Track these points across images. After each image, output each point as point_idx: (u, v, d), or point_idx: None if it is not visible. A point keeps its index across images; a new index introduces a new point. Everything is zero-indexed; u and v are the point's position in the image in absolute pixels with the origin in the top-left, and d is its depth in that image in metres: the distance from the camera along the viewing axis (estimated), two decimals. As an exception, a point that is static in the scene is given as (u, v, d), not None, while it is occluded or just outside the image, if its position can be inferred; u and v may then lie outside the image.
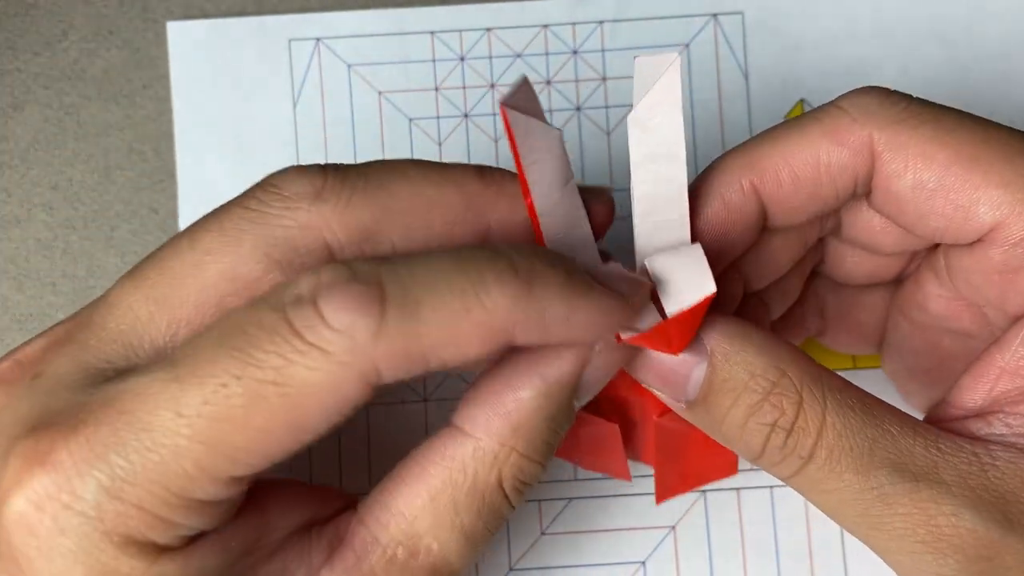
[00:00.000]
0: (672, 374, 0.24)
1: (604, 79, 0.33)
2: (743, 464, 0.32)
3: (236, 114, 0.33)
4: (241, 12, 0.34)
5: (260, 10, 0.34)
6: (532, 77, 0.33)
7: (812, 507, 0.32)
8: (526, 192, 0.22)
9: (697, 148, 0.33)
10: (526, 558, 0.32)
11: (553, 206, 0.23)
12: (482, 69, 0.33)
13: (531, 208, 0.23)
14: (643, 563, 0.32)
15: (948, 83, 0.33)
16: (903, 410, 0.23)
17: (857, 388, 0.23)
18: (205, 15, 0.34)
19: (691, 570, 0.32)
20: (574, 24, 0.33)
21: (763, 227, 0.25)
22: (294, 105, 0.33)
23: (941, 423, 0.24)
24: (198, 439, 0.19)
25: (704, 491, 0.32)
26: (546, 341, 0.21)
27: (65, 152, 0.33)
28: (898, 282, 0.28)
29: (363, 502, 0.24)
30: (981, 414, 0.24)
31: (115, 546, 0.20)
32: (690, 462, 0.30)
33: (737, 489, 0.32)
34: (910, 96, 0.25)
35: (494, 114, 0.33)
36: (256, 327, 0.20)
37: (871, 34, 0.33)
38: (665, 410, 0.26)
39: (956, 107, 0.33)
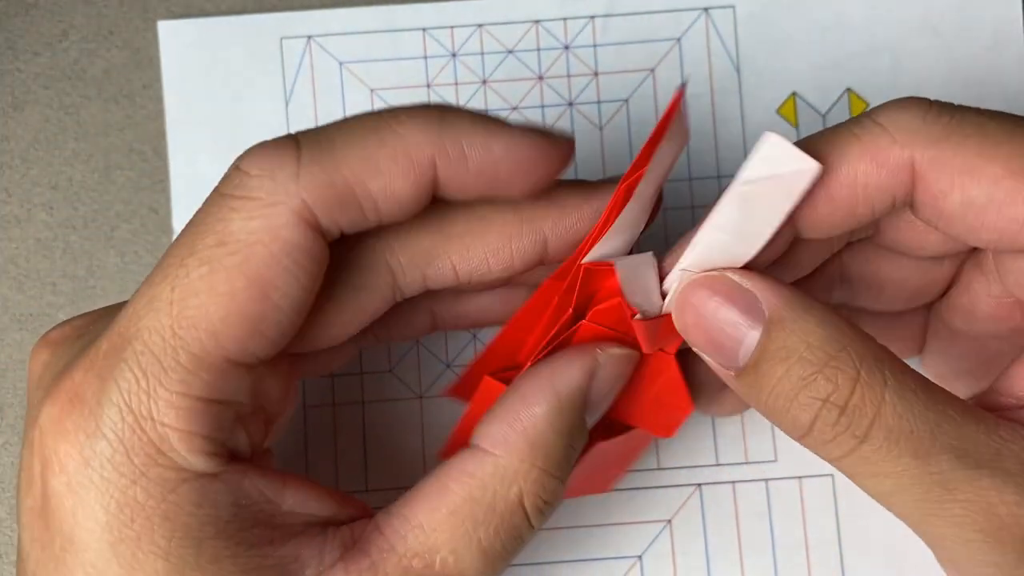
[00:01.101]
0: (725, 337, 0.23)
1: (596, 74, 0.33)
2: (736, 458, 0.32)
3: (228, 112, 0.33)
4: (243, 10, 0.34)
5: (259, 8, 0.34)
6: (523, 73, 0.33)
7: (808, 501, 0.32)
8: (634, 179, 0.23)
9: (689, 143, 0.33)
10: (523, 554, 0.32)
11: (638, 208, 0.24)
12: (474, 65, 0.33)
13: (621, 197, 0.23)
14: (639, 557, 0.32)
15: (939, 75, 0.33)
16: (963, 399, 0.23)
17: (917, 373, 0.22)
18: (205, 15, 0.34)
19: (688, 565, 0.32)
20: (565, 19, 0.33)
21: (792, 239, 0.24)
22: (286, 103, 0.33)
23: (991, 411, 0.23)
24: (178, 326, 0.21)
25: (700, 484, 0.32)
26: (477, 181, 0.22)
27: (65, 152, 0.33)
28: (932, 303, 0.28)
29: (382, 512, 0.24)
30: None
31: (136, 471, 0.21)
32: (585, 480, 0.29)
33: (733, 483, 0.32)
34: (953, 107, 0.23)
35: (486, 110, 0.33)
36: (200, 212, 0.22)
37: (863, 27, 0.33)
38: (608, 437, 0.27)
39: (948, 100, 0.33)
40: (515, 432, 0.23)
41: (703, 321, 0.23)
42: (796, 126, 0.33)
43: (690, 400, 0.26)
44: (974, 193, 0.22)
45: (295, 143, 0.22)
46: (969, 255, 0.26)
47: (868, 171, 0.23)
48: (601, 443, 0.27)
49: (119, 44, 0.33)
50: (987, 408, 0.23)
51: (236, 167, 0.22)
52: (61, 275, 0.33)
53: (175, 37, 0.33)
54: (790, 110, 0.33)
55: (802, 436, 0.22)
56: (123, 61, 0.33)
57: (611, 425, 0.27)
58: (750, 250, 0.23)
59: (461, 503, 0.23)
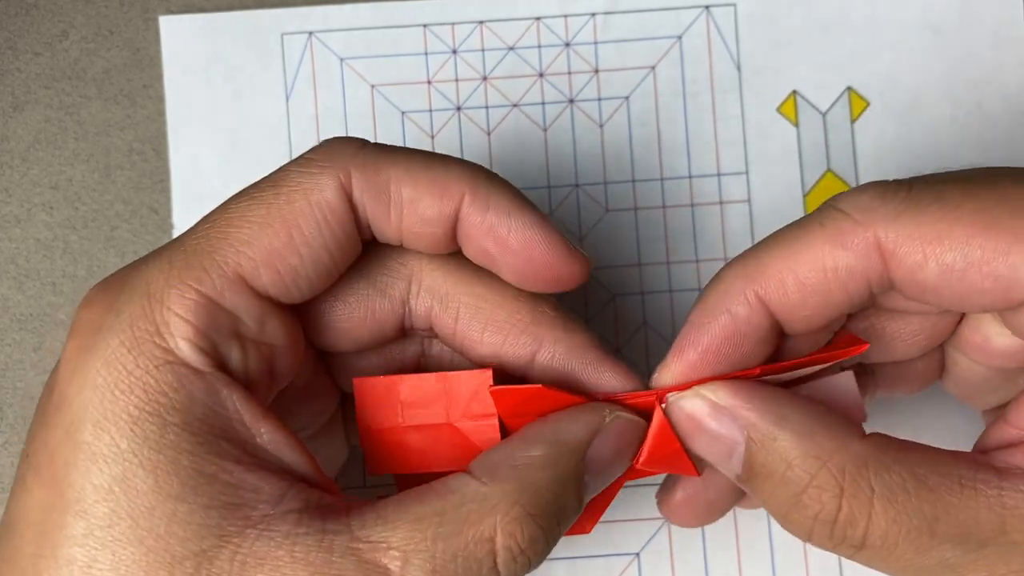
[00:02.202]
0: (715, 450, 0.24)
1: (597, 71, 0.33)
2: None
3: (229, 108, 0.33)
4: (243, 7, 0.34)
5: (260, 4, 0.34)
6: (524, 70, 0.33)
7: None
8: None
9: (690, 141, 0.33)
10: (521, 550, 0.32)
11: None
12: (474, 62, 0.33)
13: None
14: (637, 555, 0.32)
15: (940, 74, 0.33)
16: (966, 453, 0.23)
17: (909, 454, 0.22)
18: (205, 13, 0.34)
19: (685, 562, 0.32)
20: (566, 16, 0.33)
21: (780, 335, 0.25)
22: (287, 99, 0.33)
23: (1002, 448, 0.23)
24: (213, 237, 0.23)
25: (698, 482, 0.32)
26: (488, 230, 0.24)
27: (65, 152, 0.33)
28: (947, 342, 0.27)
29: (358, 501, 0.24)
30: None
31: (134, 342, 0.22)
32: None
33: (731, 480, 0.32)
34: (909, 182, 0.23)
35: (487, 107, 0.33)
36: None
37: (863, 25, 0.33)
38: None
39: (949, 101, 0.33)
40: (507, 467, 0.23)
41: (695, 435, 0.24)
42: (796, 124, 0.33)
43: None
44: (949, 258, 0.22)
45: (364, 141, 0.25)
46: None
47: (835, 254, 0.23)
48: None
49: (119, 44, 0.33)
50: (998, 444, 0.23)
51: (323, 141, 0.25)
52: (61, 275, 0.33)
53: (176, 32, 0.33)
54: (790, 108, 0.33)
55: (806, 541, 0.23)
56: (123, 61, 0.33)
57: None
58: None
59: (430, 513, 0.22)
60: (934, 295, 0.23)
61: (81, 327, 0.23)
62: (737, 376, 0.24)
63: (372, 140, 0.33)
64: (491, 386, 0.25)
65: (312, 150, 0.24)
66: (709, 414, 0.24)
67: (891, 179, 0.24)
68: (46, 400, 0.23)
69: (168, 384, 0.22)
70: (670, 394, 0.24)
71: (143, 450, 0.22)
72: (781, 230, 0.24)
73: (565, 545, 0.32)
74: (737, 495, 0.27)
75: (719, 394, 0.23)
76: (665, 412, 0.25)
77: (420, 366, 0.28)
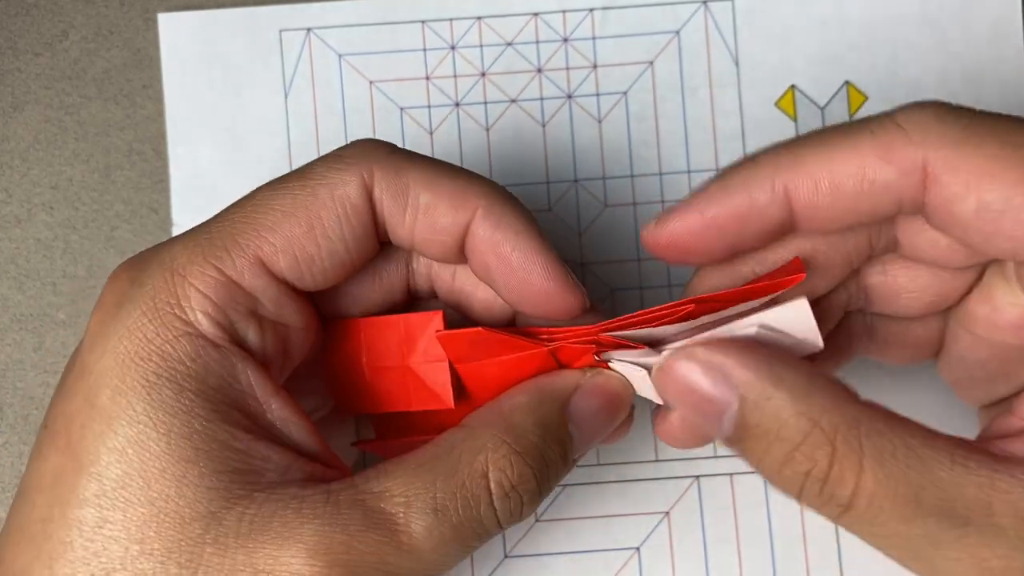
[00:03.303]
0: (706, 409, 0.23)
1: (595, 66, 0.33)
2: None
3: (227, 104, 0.33)
4: (242, 3, 0.34)
5: (258, 1, 0.34)
6: (522, 65, 0.33)
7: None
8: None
9: (688, 136, 0.33)
10: (521, 545, 0.32)
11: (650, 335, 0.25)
12: (473, 58, 0.33)
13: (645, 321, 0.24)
14: (637, 549, 0.32)
15: (938, 68, 0.33)
16: (959, 438, 0.22)
17: (904, 425, 0.22)
18: (203, 10, 0.34)
19: (685, 555, 0.32)
20: (564, 12, 0.33)
21: (782, 232, 0.24)
22: (285, 95, 0.33)
23: (1003, 437, 0.23)
24: (239, 221, 0.24)
25: (698, 476, 0.32)
26: (493, 246, 0.25)
27: (65, 152, 0.33)
28: (952, 306, 0.27)
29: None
30: None
31: (155, 312, 0.23)
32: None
33: (731, 475, 0.32)
34: (973, 111, 0.23)
35: (485, 102, 0.33)
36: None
37: (861, 20, 0.33)
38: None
39: (946, 94, 0.33)
40: (493, 414, 0.24)
41: (684, 393, 0.24)
42: (795, 119, 0.33)
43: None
44: (990, 198, 0.22)
45: (393, 146, 0.25)
46: (990, 263, 0.25)
47: (878, 166, 0.22)
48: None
49: (119, 44, 0.33)
50: (1001, 434, 0.23)
51: (352, 141, 0.26)
52: (61, 275, 0.33)
53: (175, 29, 0.33)
54: (789, 103, 0.33)
55: (797, 500, 0.23)
56: (123, 61, 0.33)
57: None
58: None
59: (427, 459, 0.23)
60: (962, 230, 0.23)
61: (105, 301, 0.24)
62: (669, 309, 0.24)
63: (372, 136, 0.33)
64: (437, 331, 0.26)
65: (341, 148, 0.25)
66: (703, 374, 0.23)
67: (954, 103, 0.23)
68: (67, 373, 0.24)
69: (185, 353, 0.23)
70: (664, 354, 0.24)
71: (158, 414, 0.22)
72: (828, 128, 0.23)
73: (565, 539, 0.32)
74: None
75: (714, 354, 0.23)
76: (656, 373, 0.24)
77: (412, 290, 0.28)
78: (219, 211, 0.25)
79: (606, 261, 0.33)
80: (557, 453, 0.25)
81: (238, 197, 0.32)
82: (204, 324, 0.23)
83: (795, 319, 0.23)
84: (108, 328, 0.23)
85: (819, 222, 0.24)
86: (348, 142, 0.26)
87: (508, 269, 0.25)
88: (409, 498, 0.23)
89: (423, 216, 0.25)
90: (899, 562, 0.23)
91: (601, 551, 0.32)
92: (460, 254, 0.25)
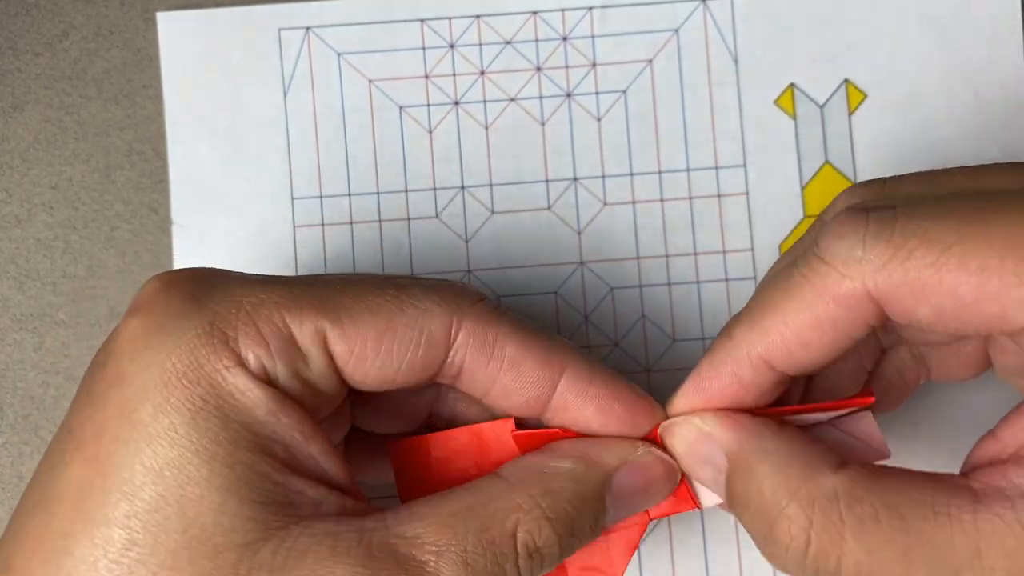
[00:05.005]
0: (704, 475, 0.25)
1: (594, 65, 0.33)
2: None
3: (226, 103, 0.33)
4: (241, 2, 0.34)
5: (257, 0, 0.34)
6: (521, 64, 0.33)
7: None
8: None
9: (687, 134, 0.33)
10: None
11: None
12: (472, 56, 0.33)
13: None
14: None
15: (937, 66, 0.33)
16: (946, 476, 0.23)
17: (883, 484, 0.22)
18: (202, 8, 0.34)
19: (686, 553, 0.32)
20: (563, 10, 0.33)
21: (782, 386, 0.25)
22: (284, 94, 0.33)
23: (984, 466, 0.23)
24: (320, 293, 0.24)
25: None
26: (593, 401, 0.25)
27: (65, 152, 0.33)
28: None
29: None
30: None
31: (203, 340, 0.23)
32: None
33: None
34: (892, 211, 0.22)
35: (484, 101, 0.33)
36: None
37: (860, 18, 0.33)
38: None
39: (946, 93, 0.33)
40: (535, 472, 0.24)
41: (686, 458, 0.25)
42: (794, 117, 0.33)
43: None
44: (939, 302, 0.22)
45: (484, 296, 0.26)
46: None
47: (828, 308, 0.23)
48: None
49: (119, 44, 0.33)
50: (983, 461, 0.23)
51: (449, 280, 0.26)
52: (61, 275, 0.33)
53: (174, 29, 0.33)
54: (788, 101, 0.34)
55: (784, 571, 0.23)
56: (123, 61, 0.33)
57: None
58: None
59: (461, 509, 0.23)
60: (934, 330, 0.23)
61: (153, 308, 0.23)
62: (754, 411, 0.25)
63: (371, 137, 0.33)
64: (513, 430, 0.26)
65: (441, 281, 0.26)
66: (698, 439, 0.25)
67: (873, 183, 0.24)
68: (98, 374, 0.23)
69: (236, 387, 0.23)
70: (666, 421, 0.26)
71: (203, 440, 0.22)
72: (770, 287, 0.24)
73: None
74: None
75: (707, 421, 0.25)
76: (662, 432, 0.26)
77: (433, 414, 0.28)
78: (308, 275, 0.26)
79: (606, 259, 0.33)
80: (588, 525, 0.25)
81: (238, 196, 0.33)
82: (253, 363, 0.23)
83: (861, 427, 0.25)
84: (156, 339, 0.23)
85: (808, 370, 0.25)
86: (446, 281, 0.26)
87: (613, 418, 0.26)
88: (440, 548, 0.23)
89: (508, 369, 0.25)
90: None
91: (601, 549, 0.32)
92: (539, 408, 0.26)
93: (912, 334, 0.27)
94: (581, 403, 0.25)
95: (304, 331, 0.24)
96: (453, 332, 0.25)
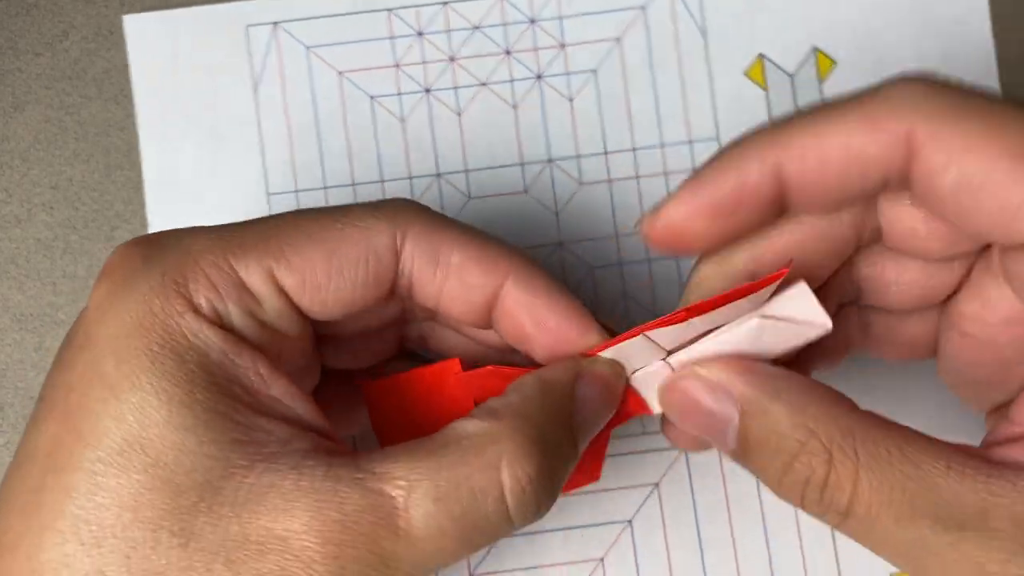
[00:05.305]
0: (710, 426, 0.24)
1: (563, 46, 0.34)
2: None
3: (198, 103, 0.33)
4: (206, 1, 0.34)
5: (217, -3, 0.34)
6: (491, 48, 0.33)
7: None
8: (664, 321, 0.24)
9: (660, 110, 0.33)
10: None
11: (655, 341, 0.25)
12: (441, 43, 0.33)
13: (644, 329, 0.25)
14: (629, 522, 0.33)
15: (904, 27, 0.33)
16: (954, 444, 0.23)
17: (900, 432, 0.23)
18: (168, 9, 0.34)
19: (677, 526, 0.32)
20: (529, -8, 0.33)
21: (775, 211, 0.24)
22: (255, 90, 0.33)
23: (1002, 443, 0.23)
24: (260, 231, 0.25)
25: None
26: (528, 310, 0.26)
27: (65, 152, 0.33)
28: (946, 300, 0.27)
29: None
30: None
31: (163, 287, 0.23)
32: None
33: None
34: (959, 87, 0.23)
35: (455, 87, 0.33)
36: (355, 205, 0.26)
37: (826, -15, 0.33)
38: None
39: (915, 55, 0.33)
40: (502, 407, 0.24)
41: (689, 411, 0.25)
42: (765, 88, 0.33)
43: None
44: (970, 171, 0.22)
45: (429, 209, 0.26)
46: (979, 258, 0.26)
47: (864, 139, 0.23)
48: None
49: (119, 44, 0.33)
50: (1000, 440, 0.23)
51: (391, 198, 0.27)
52: (61, 275, 0.33)
53: (141, 31, 0.33)
54: (758, 72, 0.34)
55: (799, 507, 0.24)
56: (123, 61, 0.33)
57: None
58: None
59: (434, 446, 0.23)
60: (942, 204, 0.23)
61: (113, 273, 0.24)
62: (665, 322, 0.24)
63: (343, 128, 0.33)
64: (456, 373, 0.26)
65: (381, 200, 0.26)
66: (705, 391, 0.24)
67: (944, 77, 0.24)
68: (67, 345, 0.24)
69: (189, 329, 0.23)
70: (669, 375, 0.25)
71: (161, 382, 0.22)
72: (819, 105, 0.24)
73: (556, 515, 0.32)
74: None
75: (715, 371, 0.24)
76: (661, 393, 0.26)
77: (404, 342, 0.29)
78: (250, 219, 0.26)
79: (584, 239, 0.33)
80: (569, 443, 0.24)
81: (213, 195, 0.33)
82: (205, 308, 0.23)
83: (797, 303, 0.24)
84: (116, 298, 0.23)
85: (810, 198, 0.24)
86: (387, 198, 0.27)
87: (545, 331, 0.26)
88: (411, 483, 0.22)
89: (454, 276, 0.25)
90: (899, 568, 0.23)
91: (592, 526, 0.32)
92: (483, 316, 0.26)
93: (911, 240, 0.26)
94: (521, 309, 0.26)
95: (251, 272, 0.24)
96: (398, 244, 0.25)
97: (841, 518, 0.23)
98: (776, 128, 0.24)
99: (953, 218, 0.23)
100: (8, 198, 0.33)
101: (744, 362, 0.24)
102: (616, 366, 0.26)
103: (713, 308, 0.24)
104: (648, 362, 0.26)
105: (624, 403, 0.26)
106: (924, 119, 0.22)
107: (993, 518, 0.21)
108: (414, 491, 0.22)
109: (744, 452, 0.24)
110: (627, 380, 0.26)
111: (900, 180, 0.23)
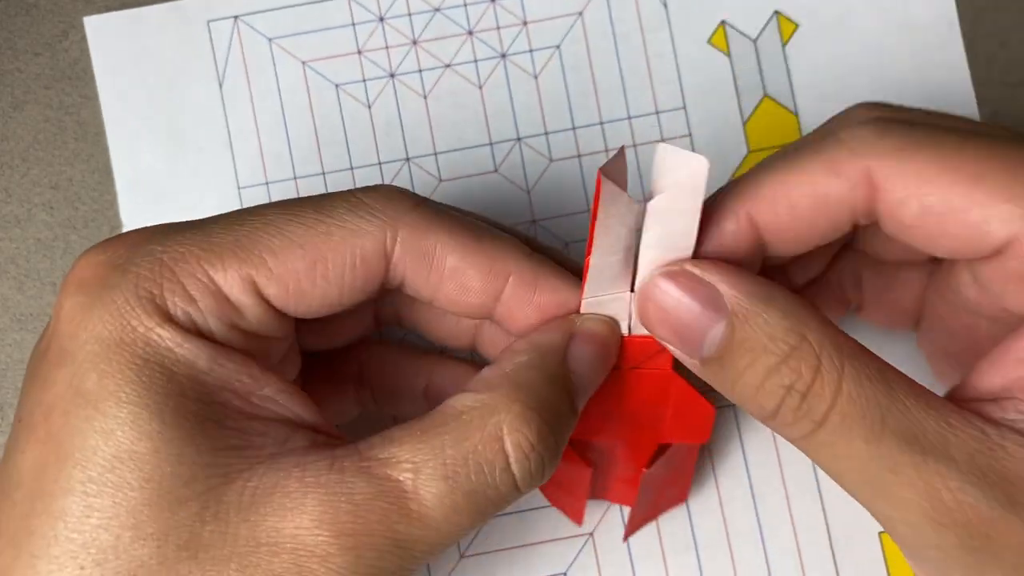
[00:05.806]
0: (688, 329, 0.24)
1: (525, 23, 0.34)
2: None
3: (163, 100, 0.33)
4: (157, -1, 0.34)
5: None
6: (453, 30, 0.33)
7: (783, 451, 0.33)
8: (589, 250, 0.24)
9: (625, 83, 0.33)
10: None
11: (604, 268, 0.25)
12: (403, 27, 0.33)
13: (587, 267, 0.25)
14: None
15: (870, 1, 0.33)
16: (922, 384, 0.23)
17: (876, 357, 0.23)
18: (127, 8, 0.34)
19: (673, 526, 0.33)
20: (487, -29, 0.33)
21: (763, 255, 0.25)
22: (220, 85, 0.33)
23: (958, 403, 0.24)
24: (239, 234, 0.24)
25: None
26: (537, 309, 0.25)
27: (65, 152, 0.33)
28: (935, 262, 0.28)
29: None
30: (996, 399, 0.23)
31: (140, 299, 0.23)
32: (659, 499, 0.31)
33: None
34: (909, 119, 0.24)
35: (420, 70, 0.33)
36: (336, 193, 0.25)
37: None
38: (651, 461, 0.28)
39: (877, 13, 0.33)
40: (498, 376, 0.24)
41: (665, 314, 0.24)
42: (728, 54, 0.34)
43: (707, 403, 0.27)
44: (931, 200, 0.23)
45: (419, 199, 0.25)
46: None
47: (828, 182, 0.24)
48: (647, 470, 0.28)
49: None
50: (956, 399, 0.24)
51: (377, 186, 0.25)
52: (61, 275, 0.33)
53: (102, 32, 0.33)
54: (721, 39, 0.34)
55: (767, 419, 0.24)
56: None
57: (651, 450, 0.29)
58: (686, 252, 0.24)
59: (434, 424, 0.23)
60: (909, 233, 0.24)
61: (83, 284, 0.23)
62: (589, 242, 0.24)
63: (310, 117, 0.33)
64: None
65: (367, 193, 0.25)
66: (688, 293, 0.24)
67: (891, 105, 0.25)
68: (41, 360, 0.23)
69: (172, 340, 0.23)
70: (652, 272, 0.25)
71: (150, 395, 0.22)
72: (778, 155, 0.25)
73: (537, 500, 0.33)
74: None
75: (708, 271, 0.24)
76: (639, 293, 0.25)
77: (378, 317, 0.29)
78: (227, 212, 0.25)
79: (557, 215, 0.33)
80: (567, 405, 0.24)
81: (184, 191, 0.33)
82: (183, 320, 0.23)
83: (666, 163, 0.24)
84: (90, 312, 0.23)
85: (785, 243, 0.25)
86: (372, 185, 0.25)
87: (549, 321, 0.25)
88: (417, 464, 0.22)
89: (449, 279, 0.25)
90: (851, 491, 0.23)
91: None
92: (484, 313, 0.25)
93: (875, 245, 0.27)
94: (526, 313, 0.25)
95: (230, 282, 0.23)
96: (388, 247, 0.24)
97: (813, 428, 0.23)
98: (746, 180, 0.25)
99: (921, 243, 0.24)
100: (8, 198, 0.33)
101: (732, 266, 0.24)
102: (609, 322, 0.26)
103: (593, 219, 0.24)
104: (624, 307, 0.26)
105: (631, 353, 0.26)
106: (880, 158, 0.23)
107: (953, 448, 0.22)
108: (421, 472, 0.22)
109: (725, 357, 0.23)
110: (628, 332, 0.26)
111: (867, 215, 0.24)
